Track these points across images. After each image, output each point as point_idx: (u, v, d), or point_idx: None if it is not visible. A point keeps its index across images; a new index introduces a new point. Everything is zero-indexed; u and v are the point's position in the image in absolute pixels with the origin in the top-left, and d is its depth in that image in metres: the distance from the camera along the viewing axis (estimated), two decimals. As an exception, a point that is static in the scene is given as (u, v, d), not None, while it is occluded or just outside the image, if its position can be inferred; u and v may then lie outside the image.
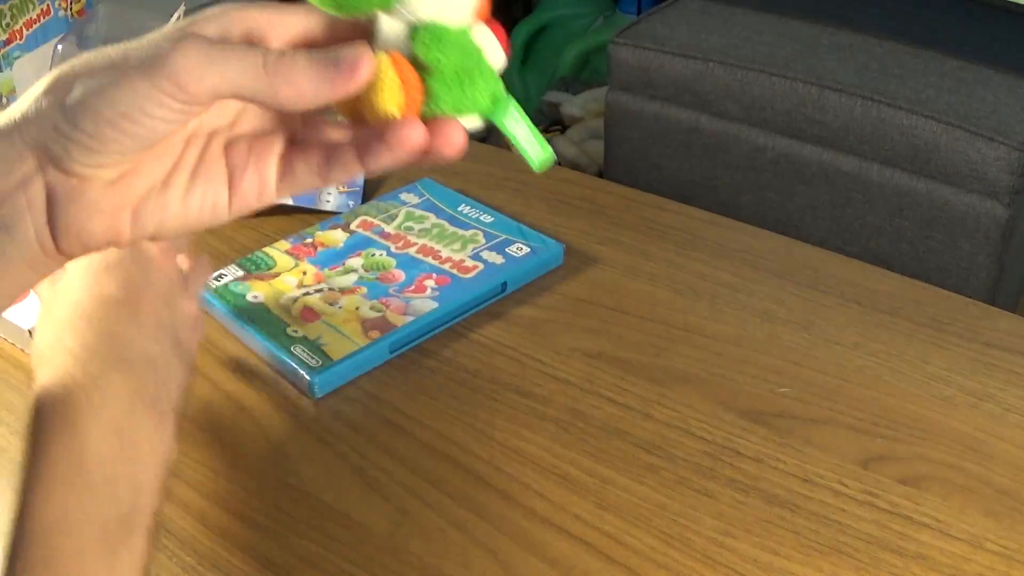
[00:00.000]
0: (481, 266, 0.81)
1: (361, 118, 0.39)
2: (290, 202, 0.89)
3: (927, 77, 1.47)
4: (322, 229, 0.86)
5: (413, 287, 0.79)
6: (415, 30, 0.38)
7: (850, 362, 0.74)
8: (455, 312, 0.78)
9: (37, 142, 0.36)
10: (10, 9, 0.82)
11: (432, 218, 0.88)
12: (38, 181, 0.37)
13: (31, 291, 0.42)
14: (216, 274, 0.80)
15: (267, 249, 0.84)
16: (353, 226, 0.87)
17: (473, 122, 0.40)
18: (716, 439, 0.67)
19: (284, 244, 0.85)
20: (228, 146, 0.41)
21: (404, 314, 0.76)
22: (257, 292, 0.79)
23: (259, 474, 0.65)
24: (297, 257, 0.83)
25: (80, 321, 0.52)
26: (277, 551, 0.60)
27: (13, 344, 0.76)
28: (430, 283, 0.80)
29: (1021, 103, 1.41)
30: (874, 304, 0.79)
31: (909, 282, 0.82)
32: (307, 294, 0.79)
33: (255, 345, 0.75)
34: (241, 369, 0.74)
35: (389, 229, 0.86)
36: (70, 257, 0.39)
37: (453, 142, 0.39)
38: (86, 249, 0.39)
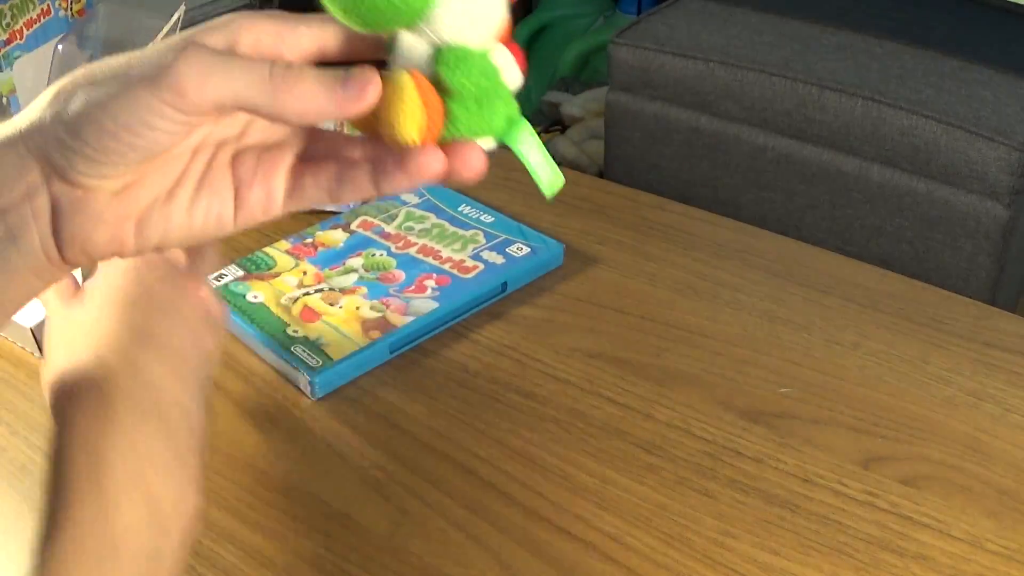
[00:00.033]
0: (481, 266, 0.81)
1: (376, 133, 0.38)
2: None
3: (927, 77, 1.47)
4: (322, 229, 0.86)
5: (413, 287, 0.79)
6: (439, 51, 0.37)
7: (850, 362, 0.74)
8: (455, 312, 0.78)
9: (41, 153, 0.36)
10: (10, 9, 0.82)
11: (432, 218, 0.88)
12: (43, 192, 0.37)
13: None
14: (216, 274, 0.81)
15: (267, 249, 0.84)
16: (353, 226, 0.87)
17: (487, 144, 0.39)
18: (716, 439, 0.67)
19: (284, 244, 0.85)
20: (236, 157, 0.40)
21: (404, 314, 0.76)
22: (257, 292, 0.79)
23: (259, 474, 0.65)
24: (297, 257, 0.83)
25: (110, 355, 0.48)
26: (277, 551, 0.60)
27: (14, 343, 0.76)
28: (430, 283, 0.80)
29: (1021, 103, 1.41)
30: (874, 304, 0.79)
31: (909, 282, 0.82)
32: (307, 294, 0.79)
33: (255, 345, 0.75)
34: (241, 369, 0.74)
35: (389, 229, 0.86)
36: (75, 266, 0.39)
37: (473, 166, 0.38)
38: (90, 259, 0.39)
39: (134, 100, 0.35)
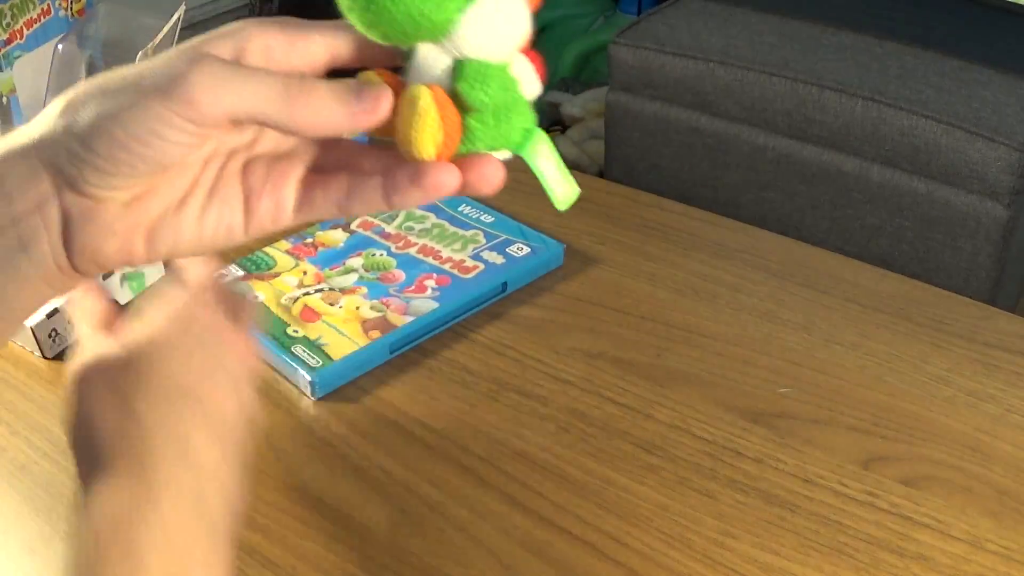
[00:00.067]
0: (481, 266, 0.81)
1: (391, 134, 0.37)
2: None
3: (927, 77, 1.47)
4: (322, 229, 0.86)
5: (413, 287, 0.79)
6: (460, 65, 0.36)
7: (850, 362, 0.74)
8: (455, 312, 0.78)
9: (52, 163, 0.36)
10: (10, 9, 0.82)
11: (432, 218, 0.88)
12: (54, 202, 0.37)
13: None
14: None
15: (267, 249, 0.84)
16: (353, 226, 0.87)
17: (503, 155, 0.38)
18: (716, 439, 0.67)
19: (284, 244, 0.85)
20: (246, 167, 0.40)
21: (404, 314, 0.76)
22: (257, 292, 0.79)
23: (259, 474, 0.65)
24: (297, 257, 0.83)
25: (150, 415, 0.43)
26: (277, 551, 0.60)
27: (15, 343, 0.76)
28: (430, 283, 0.80)
29: (1021, 103, 1.41)
30: (874, 304, 0.79)
31: (909, 282, 0.82)
32: (307, 294, 0.79)
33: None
34: (241, 369, 0.74)
35: (389, 229, 0.86)
36: (86, 275, 0.39)
37: (490, 181, 0.38)
38: (100, 268, 0.39)
39: (145, 111, 0.34)
